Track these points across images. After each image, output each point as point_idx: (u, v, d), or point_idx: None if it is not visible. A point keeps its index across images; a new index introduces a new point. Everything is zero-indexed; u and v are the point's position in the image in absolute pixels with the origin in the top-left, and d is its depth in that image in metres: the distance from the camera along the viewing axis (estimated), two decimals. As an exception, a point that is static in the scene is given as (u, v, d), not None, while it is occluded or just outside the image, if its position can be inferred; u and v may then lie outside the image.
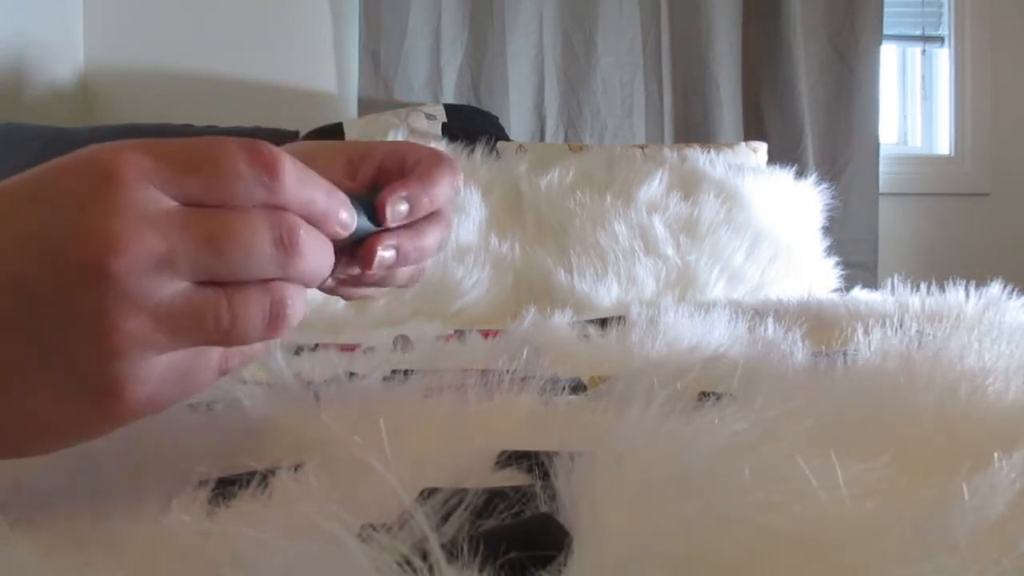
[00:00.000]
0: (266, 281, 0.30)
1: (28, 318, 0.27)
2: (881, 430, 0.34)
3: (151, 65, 1.92)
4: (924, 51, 2.26)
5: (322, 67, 1.99)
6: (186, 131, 1.65)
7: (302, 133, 1.74)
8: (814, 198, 1.62)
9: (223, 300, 0.29)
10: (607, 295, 1.32)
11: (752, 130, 2.03)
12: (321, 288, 0.40)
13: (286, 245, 0.30)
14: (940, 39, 2.23)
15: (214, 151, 0.29)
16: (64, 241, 0.26)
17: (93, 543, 0.25)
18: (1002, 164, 2.20)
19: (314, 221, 0.32)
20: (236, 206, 0.29)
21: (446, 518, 0.24)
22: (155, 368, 0.28)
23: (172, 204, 0.28)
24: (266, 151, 0.30)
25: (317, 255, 0.31)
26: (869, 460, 0.27)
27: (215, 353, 0.31)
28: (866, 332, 0.52)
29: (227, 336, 0.29)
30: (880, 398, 0.39)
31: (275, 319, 0.30)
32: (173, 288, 0.28)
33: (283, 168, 0.30)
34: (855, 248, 1.96)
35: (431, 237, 0.41)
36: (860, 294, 1.18)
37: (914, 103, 2.28)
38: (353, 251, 0.38)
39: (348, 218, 0.34)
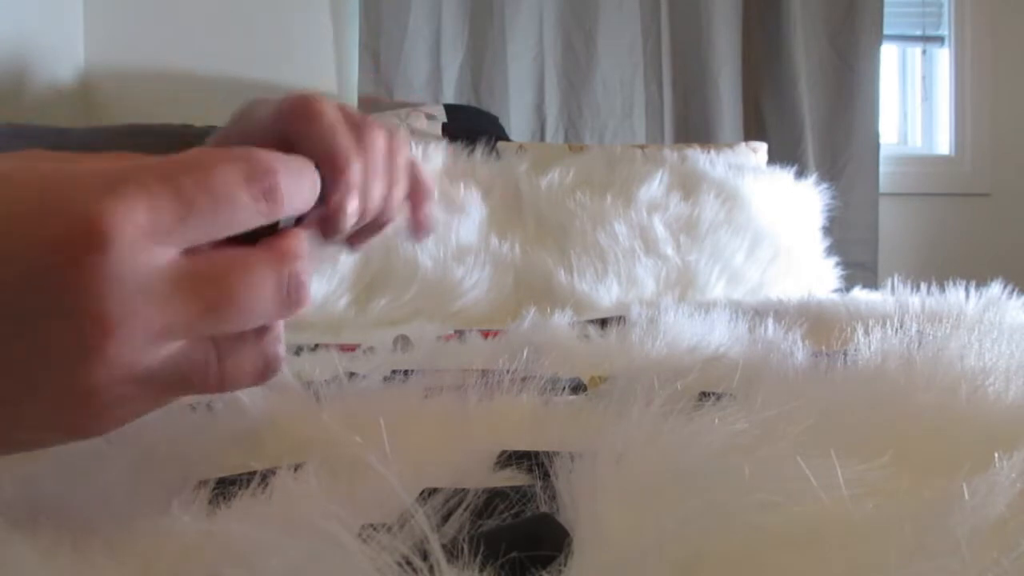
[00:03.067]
0: (260, 329, 0.29)
1: (5, 367, 0.24)
2: (881, 430, 0.34)
3: (151, 65, 1.92)
4: (924, 51, 2.26)
5: (322, 67, 1.99)
6: (186, 131, 1.65)
7: (302, 133, 1.73)
8: (814, 198, 1.62)
9: (213, 360, 0.28)
10: (607, 295, 1.32)
11: (752, 130, 2.03)
12: None
13: (290, 297, 0.28)
14: (940, 39, 2.23)
15: (210, 179, 0.26)
16: (45, 321, 0.23)
17: (93, 543, 0.25)
18: (1002, 164, 2.20)
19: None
20: (237, 259, 0.27)
21: (446, 518, 0.24)
22: (131, 410, 0.27)
23: (169, 261, 0.25)
24: (264, 176, 0.27)
25: (309, 287, 0.30)
26: (869, 460, 0.27)
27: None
28: (866, 332, 0.51)
29: (214, 390, 0.28)
30: (880, 398, 0.39)
31: (264, 371, 0.29)
32: (165, 352, 0.26)
33: (282, 189, 0.28)
34: (855, 248, 1.96)
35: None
36: (860, 294, 1.18)
37: (914, 103, 2.28)
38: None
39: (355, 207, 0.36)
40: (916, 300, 0.80)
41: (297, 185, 0.30)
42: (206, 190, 0.26)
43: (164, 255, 0.25)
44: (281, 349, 0.30)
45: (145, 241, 0.24)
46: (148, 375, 0.26)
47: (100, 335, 0.24)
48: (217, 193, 0.26)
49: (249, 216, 0.27)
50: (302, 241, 0.30)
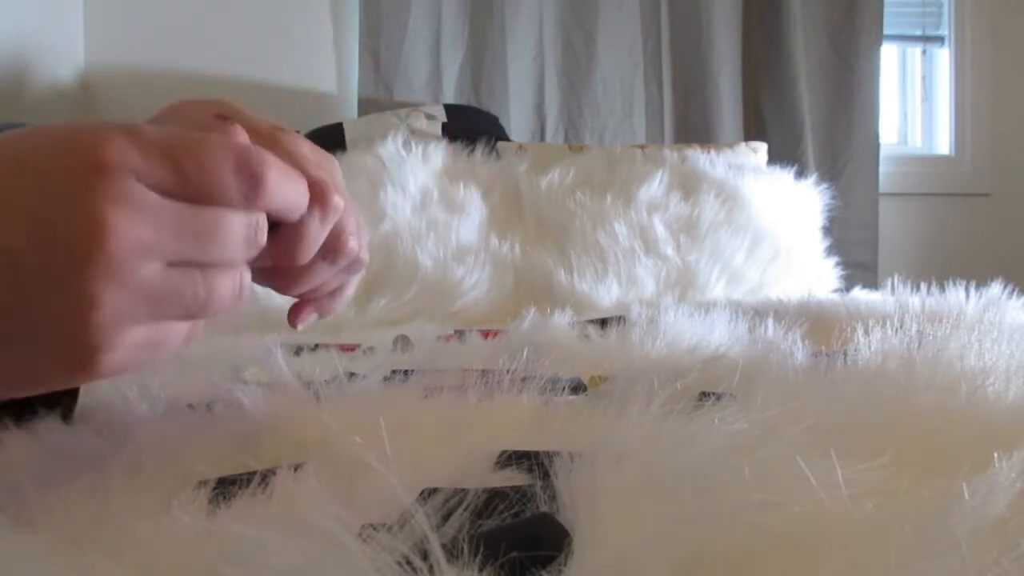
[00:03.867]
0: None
1: (10, 288, 0.28)
2: (881, 430, 0.34)
3: (151, 65, 1.92)
4: (924, 51, 2.26)
5: (322, 67, 1.99)
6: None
7: (302, 133, 1.73)
8: (814, 198, 1.62)
9: (199, 276, 0.31)
10: (607, 295, 1.32)
11: (752, 130, 2.03)
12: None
13: (257, 241, 0.33)
14: (940, 39, 2.23)
15: (202, 155, 0.31)
16: (57, 223, 0.28)
17: (93, 543, 0.25)
18: (1002, 164, 2.20)
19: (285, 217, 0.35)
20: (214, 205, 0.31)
21: (446, 518, 0.24)
22: (130, 337, 0.30)
23: (156, 197, 0.30)
24: (255, 166, 0.32)
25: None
26: (869, 460, 0.27)
27: (184, 323, 0.33)
28: (866, 332, 0.52)
29: (203, 308, 0.32)
30: (880, 398, 0.39)
31: (239, 295, 0.33)
32: (154, 268, 0.30)
33: (269, 182, 0.32)
34: (855, 248, 1.96)
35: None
36: (860, 294, 1.18)
37: (914, 103, 2.28)
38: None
39: (339, 202, 0.37)
40: (916, 300, 0.80)
41: (285, 185, 0.34)
42: (196, 155, 0.30)
43: (151, 192, 0.30)
44: (248, 274, 0.34)
45: (137, 174, 0.29)
46: (143, 287, 0.29)
47: (100, 234, 0.28)
48: (204, 162, 0.31)
49: (230, 195, 0.31)
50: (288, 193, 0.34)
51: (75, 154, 0.29)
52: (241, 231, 0.32)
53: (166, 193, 0.30)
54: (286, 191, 0.34)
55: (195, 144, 0.31)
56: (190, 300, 0.31)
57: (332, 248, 0.39)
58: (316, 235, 0.37)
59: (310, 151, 0.40)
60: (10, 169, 0.29)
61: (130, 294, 0.29)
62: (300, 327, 0.44)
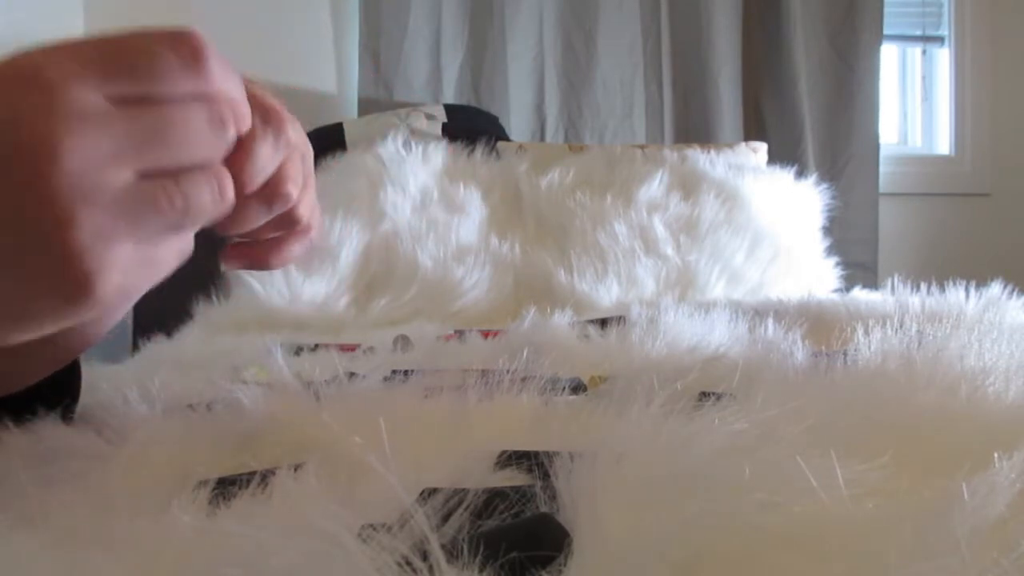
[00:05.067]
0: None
1: None
2: (881, 430, 0.34)
3: (151, 65, 1.92)
4: (924, 51, 2.26)
5: (322, 67, 1.99)
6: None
7: (302, 133, 1.73)
8: (814, 198, 1.62)
9: (172, 183, 0.30)
10: (607, 295, 1.32)
11: (752, 130, 2.03)
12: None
13: (223, 124, 0.32)
14: (940, 39, 2.23)
15: (138, 47, 0.30)
16: (11, 152, 0.27)
17: (93, 543, 0.25)
18: (1002, 164, 2.20)
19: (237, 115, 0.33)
20: (168, 99, 0.30)
21: (446, 518, 0.24)
22: (122, 255, 0.29)
23: (105, 104, 0.29)
24: (191, 39, 0.31)
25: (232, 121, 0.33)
26: (869, 460, 0.27)
27: (174, 237, 0.32)
28: (866, 332, 0.52)
29: (184, 215, 0.31)
30: (880, 398, 0.39)
31: (223, 198, 0.32)
32: (123, 179, 0.29)
33: (209, 56, 0.31)
34: (855, 248, 1.96)
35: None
36: (860, 294, 1.18)
37: (914, 103, 2.28)
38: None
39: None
40: (916, 300, 0.80)
41: (225, 68, 0.32)
42: (133, 49, 0.30)
43: (97, 97, 0.29)
44: (227, 174, 0.32)
45: (80, 82, 0.28)
46: (116, 201, 0.28)
47: (55, 153, 0.27)
48: (141, 52, 0.30)
49: (178, 80, 0.30)
50: (232, 86, 0.32)
51: (15, 81, 0.28)
52: (203, 121, 0.31)
53: (115, 98, 0.29)
54: (231, 80, 0.32)
55: (128, 38, 0.31)
56: (167, 207, 0.30)
57: (270, 191, 0.36)
58: (266, 159, 0.35)
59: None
60: None
61: (104, 209, 0.28)
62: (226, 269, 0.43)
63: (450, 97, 1.93)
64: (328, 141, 1.59)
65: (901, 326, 0.54)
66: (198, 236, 0.34)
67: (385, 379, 0.50)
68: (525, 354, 0.52)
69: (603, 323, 0.75)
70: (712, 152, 1.64)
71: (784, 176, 1.62)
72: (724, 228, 1.42)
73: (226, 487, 0.30)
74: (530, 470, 0.30)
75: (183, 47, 0.31)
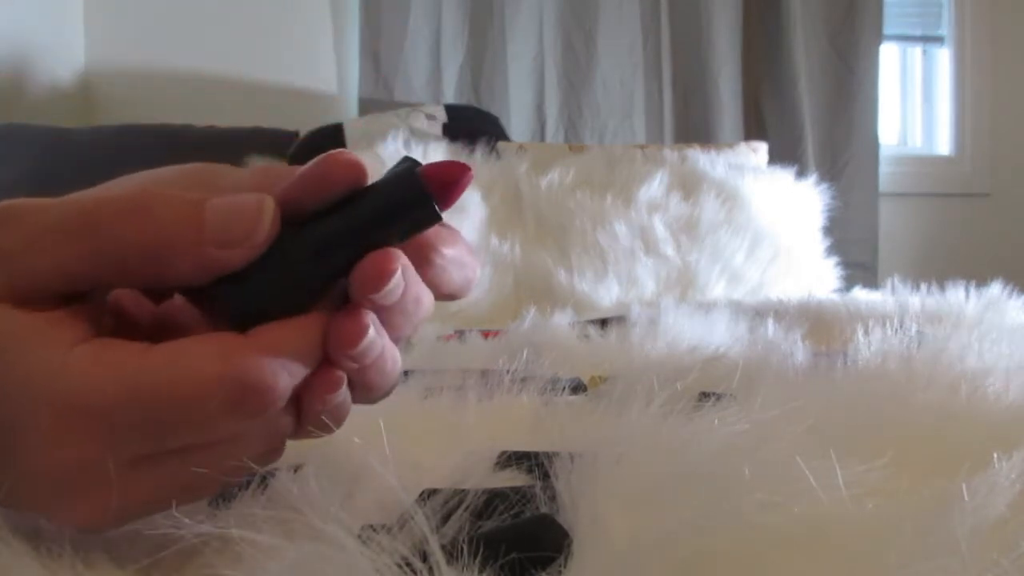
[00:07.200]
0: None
1: None
2: (881, 430, 0.34)
3: (151, 65, 1.92)
4: (924, 51, 2.26)
5: (322, 67, 1.99)
6: (186, 131, 1.65)
7: (302, 133, 1.74)
8: (814, 198, 1.62)
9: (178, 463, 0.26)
10: (607, 295, 1.32)
11: (752, 130, 2.02)
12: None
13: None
14: (940, 39, 2.23)
15: (189, 404, 0.24)
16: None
17: (93, 543, 0.25)
18: (1002, 164, 2.20)
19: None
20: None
21: (446, 519, 0.24)
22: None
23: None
24: (257, 397, 0.24)
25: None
26: (869, 460, 0.27)
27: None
28: (866, 332, 0.51)
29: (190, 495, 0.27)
30: (880, 398, 0.39)
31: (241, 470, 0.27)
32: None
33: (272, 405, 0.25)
34: (855, 248, 1.96)
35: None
36: (860, 294, 1.18)
37: (914, 103, 2.28)
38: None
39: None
40: (916, 300, 0.80)
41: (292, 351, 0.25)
42: (180, 406, 0.24)
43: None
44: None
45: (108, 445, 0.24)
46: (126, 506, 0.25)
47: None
48: (192, 414, 0.24)
49: (220, 431, 0.25)
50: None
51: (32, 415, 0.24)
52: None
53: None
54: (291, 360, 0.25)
55: (179, 382, 0.24)
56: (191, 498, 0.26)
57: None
58: (379, 344, 0.28)
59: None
60: None
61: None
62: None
63: (450, 97, 1.93)
64: (328, 141, 1.59)
65: (901, 326, 0.54)
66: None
67: (385, 379, 0.49)
68: (525, 354, 0.51)
69: (603, 323, 0.75)
70: (712, 152, 1.64)
71: (784, 176, 1.62)
72: (724, 228, 1.42)
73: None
74: (530, 470, 0.30)
75: (244, 406, 0.24)
